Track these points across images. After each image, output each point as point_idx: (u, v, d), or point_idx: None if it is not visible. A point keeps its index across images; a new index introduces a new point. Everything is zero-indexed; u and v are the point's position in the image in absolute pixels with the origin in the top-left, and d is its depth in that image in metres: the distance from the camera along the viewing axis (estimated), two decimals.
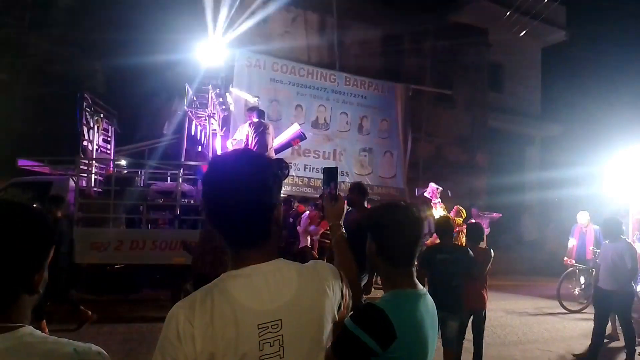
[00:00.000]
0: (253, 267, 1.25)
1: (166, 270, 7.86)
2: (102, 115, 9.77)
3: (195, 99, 9.78)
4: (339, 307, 1.38)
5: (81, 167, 8.51)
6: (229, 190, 1.23)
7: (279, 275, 1.27)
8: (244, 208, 1.23)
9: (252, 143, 8.64)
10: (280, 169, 1.32)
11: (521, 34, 17.80)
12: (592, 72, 21.34)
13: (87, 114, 9.06)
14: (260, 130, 8.67)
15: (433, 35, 15.97)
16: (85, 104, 8.89)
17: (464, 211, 10.47)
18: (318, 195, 10.86)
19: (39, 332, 1.13)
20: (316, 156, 13.31)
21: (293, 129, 10.54)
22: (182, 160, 8.99)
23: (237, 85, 12.76)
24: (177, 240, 7.44)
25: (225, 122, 11.57)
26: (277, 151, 10.78)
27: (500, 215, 12.32)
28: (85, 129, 9.05)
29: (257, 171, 1.25)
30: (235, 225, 1.25)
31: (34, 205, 1.25)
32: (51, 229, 1.18)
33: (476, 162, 16.65)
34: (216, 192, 1.25)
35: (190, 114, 9.50)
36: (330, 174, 1.91)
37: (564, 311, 9.12)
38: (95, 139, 9.48)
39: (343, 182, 12.75)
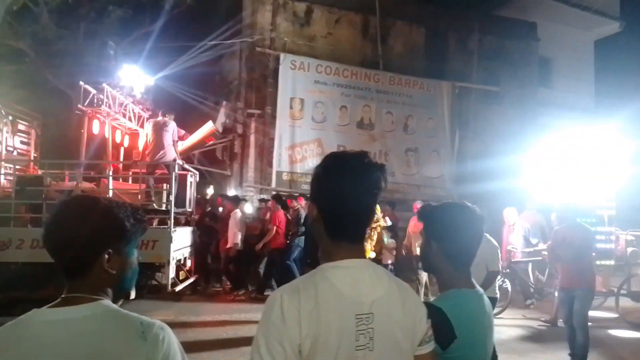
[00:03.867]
0: (350, 260, 1.31)
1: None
2: (11, 119, 9.62)
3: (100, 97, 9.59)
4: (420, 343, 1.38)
5: None
6: (351, 188, 1.30)
7: (372, 271, 1.34)
8: (360, 206, 1.32)
9: (150, 140, 8.91)
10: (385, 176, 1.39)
11: (572, 27, 17.11)
12: None
13: None
14: (158, 128, 8.81)
15: (478, 31, 15.60)
16: None
17: None
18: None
19: (114, 305, 1.33)
20: None
21: (207, 127, 10.84)
22: (82, 159, 9.02)
23: (282, 89, 12.89)
24: None
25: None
26: (193, 148, 10.89)
27: None
28: None
29: (378, 174, 1.34)
30: (348, 220, 1.32)
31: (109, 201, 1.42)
32: (119, 221, 1.36)
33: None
34: (338, 188, 1.31)
35: (90, 113, 9.32)
36: None
37: None
38: (6, 141, 9.43)
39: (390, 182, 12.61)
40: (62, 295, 1.32)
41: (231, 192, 13.11)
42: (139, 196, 8.42)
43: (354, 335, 1.24)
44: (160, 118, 9.05)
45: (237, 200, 9.81)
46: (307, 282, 1.28)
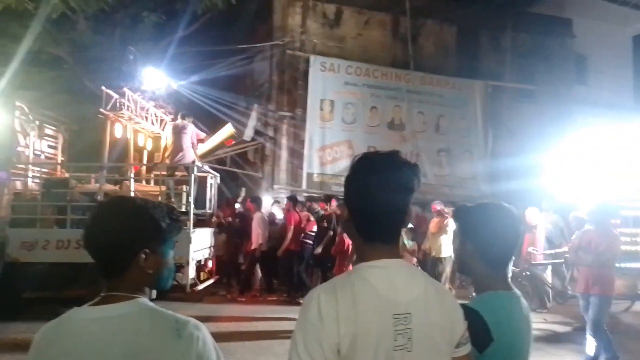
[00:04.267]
0: (386, 260, 1.30)
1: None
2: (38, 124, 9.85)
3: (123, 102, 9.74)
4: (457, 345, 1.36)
5: (16, 171, 8.64)
6: (381, 187, 1.29)
7: (407, 271, 1.33)
8: (391, 206, 1.30)
9: (169, 143, 8.96)
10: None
11: (609, 23, 16.61)
12: None
13: (22, 122, 9.16)
14: (178, 131, 8.86)
15: (512, 29, 15.31)
16: (19, 112, 9.08)
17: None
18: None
19: (151, 303, 1.36)
20: None
21: (226, 130, 10.72)
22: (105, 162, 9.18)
23: (312, 90, 12.92)
24: None
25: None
26: (213, 151, 10.82)
27: None
28: (20, 135, 9.21)
29: (409, 173, 1.31)
30: (379, 220, 1.31)
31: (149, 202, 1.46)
32: (155, 221, 1.39)
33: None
34: (367, 188, 1.30)
35: (112, 117, 9.44)
36: None
37: None
38: (34, 145, 9.56)
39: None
40: (102, 294, 1.36)
41: (262, 193, 13.21)
42: (159, 198, 8.53)
43: (392, 335, 1.23)
44: (179, 121, 9.18)
45: (259, 202, 9.79)
46: (344, 281, 1.28)
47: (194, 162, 8.50)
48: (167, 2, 12.94)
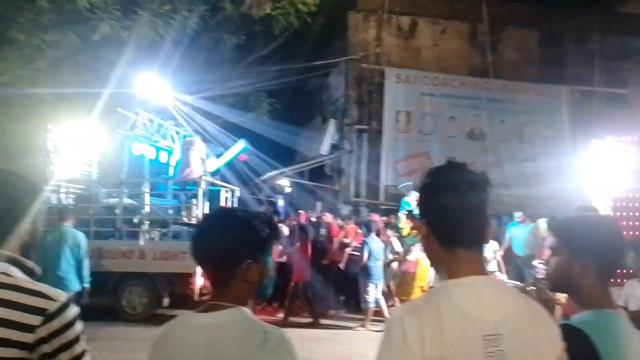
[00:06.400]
0: (472, 277, 1.24)
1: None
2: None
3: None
4: None
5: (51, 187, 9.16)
6: (457, 201, 1.24)
7: (497, 289, 1.27)
8: (470, 217, 1.26)
9: (179, 159, 9.46)
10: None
11: None
12: None
13: (54, 142, 9.71)
14: (186, 148, 9.34)
15: (599, 31, 14.43)
16: (50, 134, 9.64)
17: None
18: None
19: (249, 313, 1.40)
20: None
21: (238, 146, 11.29)
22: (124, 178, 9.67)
23: (388, 102, 12.88)
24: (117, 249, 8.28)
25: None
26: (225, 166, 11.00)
27: None
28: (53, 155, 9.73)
29: (483, 183, 1.28)
30: (460, 234, 1.26)
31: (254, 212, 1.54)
32: (256, 232, 1.43)
33: None
34: (444, 202, 1.26)
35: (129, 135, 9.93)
36: None
37: None
38: (69, 163, 10.01)
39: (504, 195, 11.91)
40: (208, 302, 1.43)
41: (340, 207, 13.26)
42: (170, 211, 9.06)
43: (482, 358, 1.17)
44: (188, 138, 9.73)
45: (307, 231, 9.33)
46: (428, 301, 1.22)
47: (201, 176, 8.90)
48: (246, 24, 13.52)
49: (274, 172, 14.93)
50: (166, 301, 8.33)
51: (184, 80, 13.67)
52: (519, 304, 1.25)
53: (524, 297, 1.31)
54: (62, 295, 1.35)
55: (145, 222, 8.66)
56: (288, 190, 17.89)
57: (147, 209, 8.81)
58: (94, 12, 11.35)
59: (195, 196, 8.69)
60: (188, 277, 8.08)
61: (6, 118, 11.34)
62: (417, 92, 12.97)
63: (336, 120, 14.03)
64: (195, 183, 8.81)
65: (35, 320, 1.28)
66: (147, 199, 9.01)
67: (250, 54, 14.37)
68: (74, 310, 1.36)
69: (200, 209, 8.35)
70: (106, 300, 8.23)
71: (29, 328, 1.27)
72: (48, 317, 1.29)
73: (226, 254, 1.39)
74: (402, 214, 8.96)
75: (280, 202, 16.46)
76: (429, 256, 1.34)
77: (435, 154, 12.87)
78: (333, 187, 13.89)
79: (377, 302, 7.97)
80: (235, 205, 9.88)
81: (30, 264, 1.43)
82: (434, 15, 13.61)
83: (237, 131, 15.32)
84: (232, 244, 1.40)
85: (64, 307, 1.32)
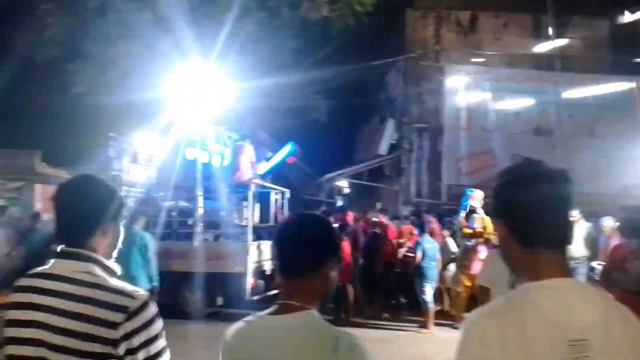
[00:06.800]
0: (557, 279, 1.17)
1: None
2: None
3: None
4: None
5: None
6: (539, 199, 1.19)
7: (583, 291, 1.20)
8: (553, 215, 1.20)
9: (230, 163, 9.86)
10: None
11: None
12: None
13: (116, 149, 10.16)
14: (236, 152, 9.57)
15: None
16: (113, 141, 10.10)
17: None
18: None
19: (319, 316, 1.39)
20: None
21: (287, 149, 11.37)
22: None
23: (448, 100, 12.63)
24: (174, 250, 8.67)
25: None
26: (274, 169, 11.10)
27: None
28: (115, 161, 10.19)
29: (560, 180, 1.23)
30: (542, 233, 1.20)
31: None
32: (333, 237, 1.48)
33: None
34: (524, 200, 1.20)
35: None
36: None
37: None
38: (129, 169, 10.47)
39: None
40: (280, 301, 1.43)
41: (400, 207, 13.13)
42: (222, 213, 9.24)
43: None
44: (238, 142, 9.96)
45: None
46: (509, 304, 1.17)
47: (250, 179, 9.08)
48: (304, 28, 13.65)
49: (332, 174, 15.02)
50: (220, 300, 8.62)
51: (242, 86, 14.03)
52: (608, 308, 1.18)
53: (614, 301, 1.24)
54: (143, 294, 1.42)
55: (199, 223, 9.00)
56: (346, 191, 17.94)
57: (200, 211, 9.14)
58: (160, 23, 11.84)
59: (245, 198, 8.95)
60: (240, 277, 8.35)
61: (79, 127, 12.10)
62: (479, 89, 12.63)
63: (395, 120, 13.90)
64: (246, 186, 9.06)
65: (118, 317, 1.35)
66: (201, 201, 9.32)
67: (307, 57, 14.50)
68: (153, 307, 1.42)
69: (251, 210, 8.67)
70: (165, 299, 8.64)
71: (113, 325, 1.34)
72: (131, 314, 1.36)
73: (313, 255, 1.42)
74: (462, 215, 8.69)
75: (339, 203, 16.55)
76: (507, 259, 1.28)
77: (499, 151, 12.49)
78: (393, 187, 13.77)
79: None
80: (286, 207, 10.21)
81: (112, 264, 1.51)
82: (494, 9, 13.20)
83: (294, 134, 15.57)
84: (321, 245, 1.43)
85: (145, 305, 1.39)
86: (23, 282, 1.48)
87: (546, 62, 13.02)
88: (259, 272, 8.79)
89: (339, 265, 1.49)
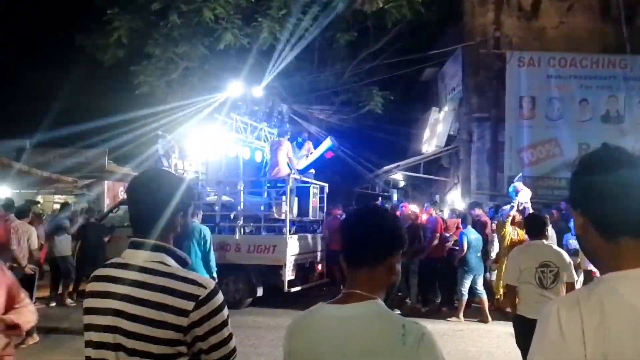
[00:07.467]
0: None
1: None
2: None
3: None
4: None
5: None
6: (619, 185, 1.13)
7: None
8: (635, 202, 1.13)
9: (268, 159, 10.15)
10: None
11: None
12: None
13: (165, 146, 10.26)
14: (274, 148, 9.77)
15: None
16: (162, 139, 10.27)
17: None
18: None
19: (384, 306, 1.41)
20: None
21: (326, 144, 11.27)
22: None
23: (511, 88, 12.24)
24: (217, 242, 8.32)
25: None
26: (312, 164, 11.02)
27: None
28: (164, 158, 10.27)
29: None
30: (624, 221, 1.14)
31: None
32: (400, 231, 1.49)
33: None
34: (604, 188, 1.14)
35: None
36: None
37: None
38: (176, 165, 10.38)
39: None
40: (345, 291, 1.45)
41: (458, 200, 12.89)
42: (262, 207, 9.49)
43: None
44: (276, 139, 10.28)
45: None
46: (589, 294, 1.12)
47: (289, 175, 9.29)
48: (358, 20, 13.59)
49: (387, 167, 14.92)
50: (260, 291, 8.88)
51: (298, 81, 14.15)
52: None
53: None
54: (211, 283, 1.48)
55: (241, 217, 9.30)
56: (402, 184, 17.79)
57: (242, 205, 9.43)
58: (219, 23, 12.12)
59: (284, 193, 9.13)
60: (278, 269, 8.63)
61: (139, 125, 12.58)
62: (543, 75, 12.16)
63: (453, 110, 13.62)
64: (284, 181, 9.27)
65: (188, 305, 1.41)
66: (242, 196, 9.60)
67: (362, 50, 14.44)
68: (220, 297, 1.48)
69: (289, 205, 8.87)
70: None
71: (183, 312, 1.40)
72: (199, 302, 1.42)
73: (381, 246, 1.44)
74: (512, 212, 8.40)
75: (395, 197, 16.45)
76: (586, 250, 1.23)
77: (564, 140, 12.02)
78: (451, 179, 13.53)
79: (478, 296, 8.07)
80: (325, 200, 10.47)
81: (182, 253, 1.57)
82: None
83: (348, 127, 15.57)
84: (388, 237, 1.46)
85: (212, 294, 1.45)
86: (99, 271, 1.56)
87: (615, 46, 12.36)
88: (297, 265, 9.03)
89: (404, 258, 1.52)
